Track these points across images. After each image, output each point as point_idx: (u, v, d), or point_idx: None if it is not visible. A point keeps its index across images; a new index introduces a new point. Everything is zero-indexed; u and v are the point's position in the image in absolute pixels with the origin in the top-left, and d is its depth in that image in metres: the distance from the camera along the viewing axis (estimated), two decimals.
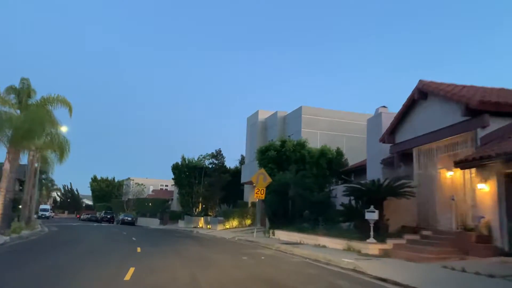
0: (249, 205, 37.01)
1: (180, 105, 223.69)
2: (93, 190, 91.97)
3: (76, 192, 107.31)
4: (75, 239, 22.57)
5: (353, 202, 16.41)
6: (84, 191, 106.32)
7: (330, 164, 24.42)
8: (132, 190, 72.60)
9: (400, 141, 16.90)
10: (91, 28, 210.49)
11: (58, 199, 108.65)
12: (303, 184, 21.19)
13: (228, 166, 44.28)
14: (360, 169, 22.79)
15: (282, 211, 22.90)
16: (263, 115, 32.85)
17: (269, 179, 23.37)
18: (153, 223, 52.04)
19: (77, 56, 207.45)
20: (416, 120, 16.08)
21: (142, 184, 73.25)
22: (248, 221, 34.95)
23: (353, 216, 15.88)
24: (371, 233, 14.12)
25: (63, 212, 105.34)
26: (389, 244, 14.08)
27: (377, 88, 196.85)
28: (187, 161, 43.44)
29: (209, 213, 40.87)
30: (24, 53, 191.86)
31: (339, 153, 25.24)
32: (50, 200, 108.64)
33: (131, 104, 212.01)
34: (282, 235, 22.22)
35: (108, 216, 63.00)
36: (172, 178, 44.37)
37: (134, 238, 22.98)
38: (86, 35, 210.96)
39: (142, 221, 56.33)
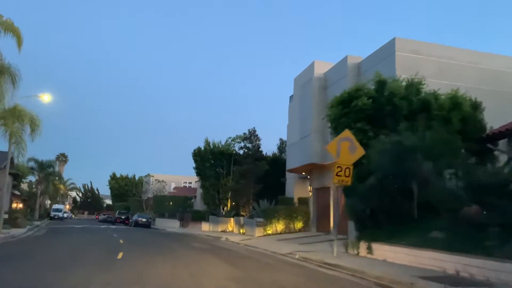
0: (295, 201, 26.31)
1: (207, 84, 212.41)
2: (112, 189, 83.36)
3: (96, 192, 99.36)
4: (26, 254, 12.41)
5: None
6: (106, 190, 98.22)
7: (464, 124, 13.32)
8: (152, 188, 63.02)
9: None
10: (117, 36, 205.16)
11: (78, 199, 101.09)
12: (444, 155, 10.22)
13: (264, 153, 33.56)
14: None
15: (385, 209, 12.01)
16: (321, 68, 22.00)
17: (360, 150, 12.50)
18: (172, 225, 41.98)
19: (98, 55, 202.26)
20: None
21: (162, 181, 63.46)
22: (299, 224, 24.13)
23: None
24: None
25: (83, 213, 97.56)
26: None
27: None
28: (211, 146, 33.09)
29: (242, 213, 30.28)
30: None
31: (476, 106, 14.10)
32: (69, 200, 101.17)
33: (152, 95, 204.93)
34: (392, 253, 11.33)
35: (123, 217, 53.50)
36: (194, 168, 34.13)
37: (119, 255, 12.60)
38: (103, 33, 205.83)
39: (160, 222, 46.42)
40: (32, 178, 54.31)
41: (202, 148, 33.13)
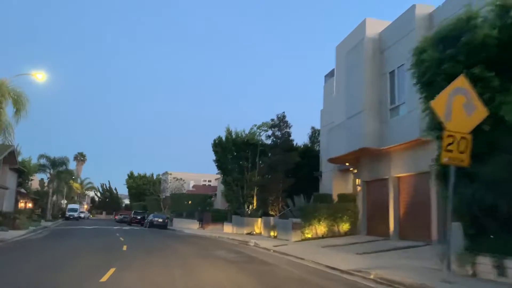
0: (334, 198, 21.53)
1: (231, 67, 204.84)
2: (129, 188, 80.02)
3: (115, 191, 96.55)
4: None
5: None
6: (124, 190, 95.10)
7: None
8: (170, 186, 59.20)
9: None
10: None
11: (97, 199, 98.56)
12: None
13: (295, 143, 28.73)
14: None
15: None
16: (374, 28, 17.07)
17: (480, 109, 7.69)
18: (191, 225, 37.72)
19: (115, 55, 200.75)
20: None
21: (181, 179, 59.57)
22: (344, 226, 19.30)
23: None
24: None
25: (101, 213, 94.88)
26: None
27: None
28: (234, 135, 28.53)
29: (270, 212, 25.62)
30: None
31: None
32: (87, 199, 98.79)
33: (171, 88, 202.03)
34: None
35: (138, 217, 49.65)
36: (214, 161, 29.57)
37: (108, 273, 8.18)
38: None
39: (177, 223, 42.27)
40: (44, 176, 51.29)
41: (223, 138, 28.61)
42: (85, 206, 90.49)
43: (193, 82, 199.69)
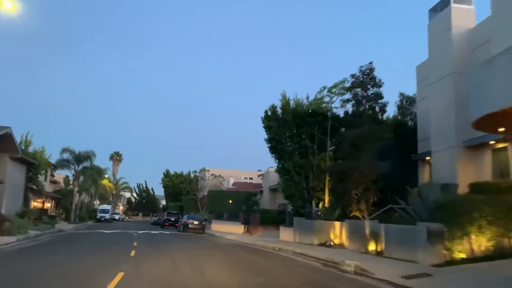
0: (460, 190, 12.44)
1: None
2: (165, 187, 73.41)
3: (151, 192, 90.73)
4: None
5: None
6: (162, 190, 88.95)
7: None
8: (208, 184, 51.49)
9: None
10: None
11: (133, 200, 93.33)
12: None
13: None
14: None
15: None
16: None
17: None
18: (233, 229, 29.50)
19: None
20: None
21: (219, 176, 51.77)
22: None
23: None
24: None
25: (137, 215, 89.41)
26: None
27: None
28: (293, 104, 19.72)
29: (355, 212, 16.62)
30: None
31: None
32: (123, 200, 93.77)
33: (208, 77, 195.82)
34: None
35: (172, 219, 42.24)
36: (266, 141, 20.81)
37: None
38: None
39: (216, 225, 34.25)
40: (69, 173, 45.06)
41: (278, 108, 19.97)
42: (121, 208, 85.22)
43: (231, 71, 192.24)
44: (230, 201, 39.61)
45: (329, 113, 18.99)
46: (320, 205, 18.56)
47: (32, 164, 29.46)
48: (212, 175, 52.34)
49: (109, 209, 57.21)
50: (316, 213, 18.14)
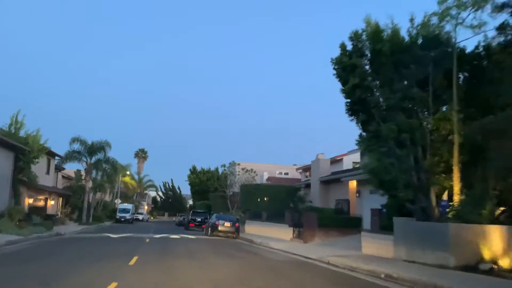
0: None
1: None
2: (191, 185, 66.55)
3: (178, 191, 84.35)
4: None
5: None
6: (188, 189, 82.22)
7: None
8: (239, 180, 43.89)
9: None
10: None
11: (158, 199, 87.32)
12: None
13: None
14: None
15: None
16: None
17: None
18: (277, 233, 21.79)
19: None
20: None
21: (252, 170, 44.14)
22: None
23: None
24: None
25: (163, 214, 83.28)
26: None
27: None
28: (388, 31, 11.68)
29: None
30: None
31: None
32: (148, 199, 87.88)
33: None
34: None
35: (198, 219, 35.16)
36: (342, 91, 12.28)
37: None
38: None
39: (252, 228, 26.66)
40: (81, 167, 38.63)
41: (363, 36, 11.84)
42: (145, 207, 79.24)
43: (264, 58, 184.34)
44: (266, 198, 31.95)
45: (454, 44, 10.87)
46: (444, 196, 10.57)
47: (22, 151, 22.83)
48: (242, 169, 44.73)
49: (129, 209, 50.70)
50: (443, 211, 10.13)
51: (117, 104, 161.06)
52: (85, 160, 37.09)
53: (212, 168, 66.99)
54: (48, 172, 29.68)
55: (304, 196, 27.30)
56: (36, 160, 24.04)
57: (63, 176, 41.01)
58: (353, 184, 21.68)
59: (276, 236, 21.73)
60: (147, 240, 19.11)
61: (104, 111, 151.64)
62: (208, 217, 35.86)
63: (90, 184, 37.81)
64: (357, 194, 19.23)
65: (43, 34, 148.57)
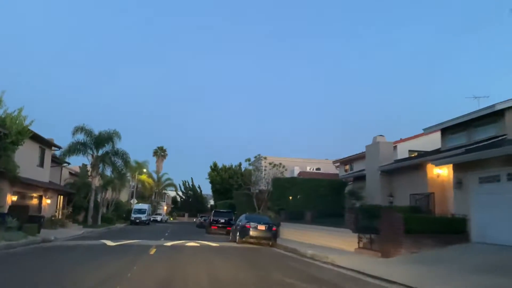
0: None
1: None
2: (212, 183, 60.89)
3: (198, 190, 78.99)
4: None
5: None
6: (209, 188, 76.31)
7: None
8: (266, 175, 37.69)
9: None
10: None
11: (178, 199, 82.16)
12: None
13: None
14: None
15: None
16: None
17: None
18: (331, 240, 15.57)
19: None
20: None
21: (280, 165, 37.90)
22: None
23: None
24: None
25: (183, 215, 78.01)
26: None
27: None
28: None
29: None
30: None
31: None
32: (168, 199, 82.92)
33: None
34: None
35: (221, 220, 29.35)
36: None
37: None
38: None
39: (292, 231, 20.40)
40: (86, 161, 33.37)
41: None
42: (164, 208, 74.20)
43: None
44: (298, 197, 25.68)
45: None
46: None
47: None
48: (270, 163, 38.46)
49: (145, 209, 45.38)
50: None
51: (133, 102, 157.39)
52: (91, 153, 31.87)
53: (235, 164, 61.27)
54: (41, 165, 24.35)
55: (357, 191, 20.86)
56: (17, 146, 18.57)
57: (70, 173, 35.97)
58: (437, 172, 15.31)
59: (330, 245, 15.53)
60: (152, 251, 13.23)
61: (119, 109, 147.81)
62: (233, 217, 29.93)
63: (97, 181, 32.53)
64: (457, 185, 12.79)
65: (57, 33, 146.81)
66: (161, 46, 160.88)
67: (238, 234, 18.30)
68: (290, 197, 25.03)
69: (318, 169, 46.99)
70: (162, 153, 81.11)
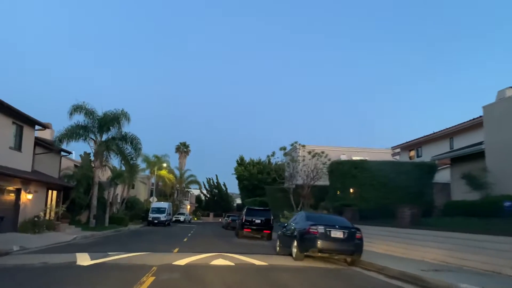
0: None
1: None
2: (239, 179, 53.78)
3: (223, 188, 72.16)
4: None
5: None
6: (235, 187, 69.18)
7: None
8: (305, 169, 29.97)
9: None
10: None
11: (203, 197, 75.61)
12: None
13: None
14: None
15: None
16: None
17: None
18: (465, 257, 8.05)
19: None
20: None
21: (323, 153, 30.34)
22: None
23: None
24: None
25: (207, 215, 71.32)
26: None
27: None
28: None
29: None
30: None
31: None
32: (192, 198, 76.51)
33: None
34: None
35: (257, 221, 21.96)
36: None
37: None
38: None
39: (373, 240, 12.92)
40: (88, 148, 26.89)
41: None
42: (188, 207, 67.77)
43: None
44: (364, 188, 17.88)
45: None
46: None
47: None
48: (309, 152, 30.90)
49: (165, 208, 38.69)
50: None
51: (157, 97, 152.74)
52: (93, 138, 25.37)
53: (263, 159, 54.01)
54: (19, 148, 17.83)
55: (477, 174, 13.05)
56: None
57: (75, 166, 29.64)
58: None
59: (466, 264, 7.96)
60: (147, 280, 6.06)
61: (143, 104, 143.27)
62: (272, 217, 22.65)
63: (101, 172, 26.00)
64: None
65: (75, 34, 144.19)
66: (183, 42, 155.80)
67: (296, 244, 10.96)
68: (358, 189, 17.44)
69: (364, 160, 39.07)
70: (185, 149, 74.49)
